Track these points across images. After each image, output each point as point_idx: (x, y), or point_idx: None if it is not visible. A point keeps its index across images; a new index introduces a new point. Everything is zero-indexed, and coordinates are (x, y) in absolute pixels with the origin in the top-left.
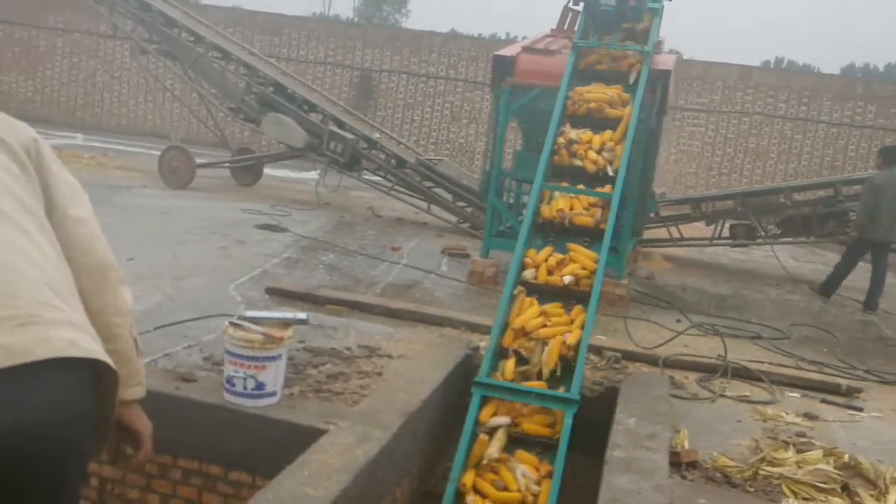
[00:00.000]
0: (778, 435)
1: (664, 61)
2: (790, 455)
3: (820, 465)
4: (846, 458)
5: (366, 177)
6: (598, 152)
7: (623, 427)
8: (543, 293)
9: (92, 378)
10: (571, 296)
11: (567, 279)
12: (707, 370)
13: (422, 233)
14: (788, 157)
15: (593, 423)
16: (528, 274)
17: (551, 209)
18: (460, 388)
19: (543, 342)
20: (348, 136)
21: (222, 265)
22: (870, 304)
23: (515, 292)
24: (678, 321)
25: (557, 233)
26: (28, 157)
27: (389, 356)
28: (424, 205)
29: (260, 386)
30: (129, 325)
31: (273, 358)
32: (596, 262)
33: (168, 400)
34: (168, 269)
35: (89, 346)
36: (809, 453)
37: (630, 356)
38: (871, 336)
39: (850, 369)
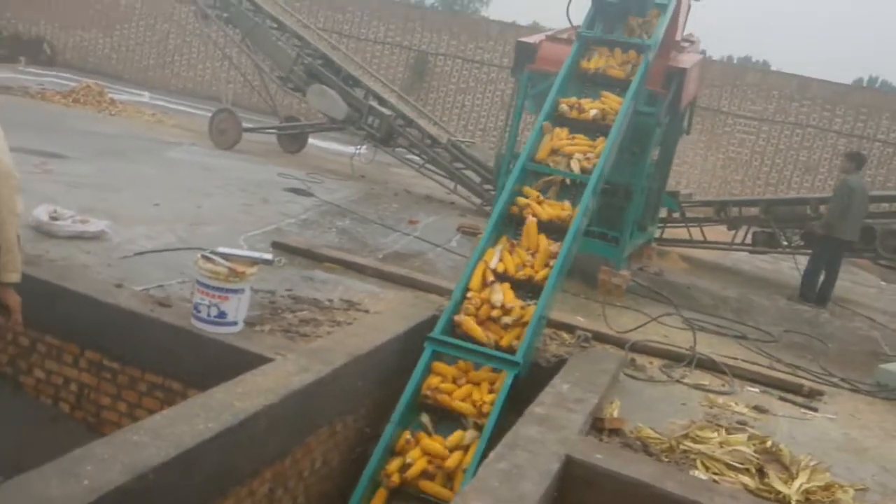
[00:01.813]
0: (718, 420)
1: (683, 60)
2: (714, 435)
3: (740, 447)
4: (768, 444)
5: (409, 156)
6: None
7: (554, 390)
8: (574, 127)
9: None
10: (598, 129)
11: (593, 113)
12: (674, 358)
13: (445, 211)
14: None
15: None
16: (565, 108)
17: (589, 63)
18: (422, 343)
19: (568, 157)
20: (386, 111)
21: (240, 219)
22: (823, 300)
23: (544, 126)
24: (668, 315)
25: (592, 84)
26: None
27: (366, 311)
28: (452, 184)
29: (222, 315)
30: (16, 223)
31: (236, 291)
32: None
33: (141, 319)
34: (189, 216)
35: None
36: (733, 436)
37: (602, 338)
38: (865, 349)
39: (826, 375)
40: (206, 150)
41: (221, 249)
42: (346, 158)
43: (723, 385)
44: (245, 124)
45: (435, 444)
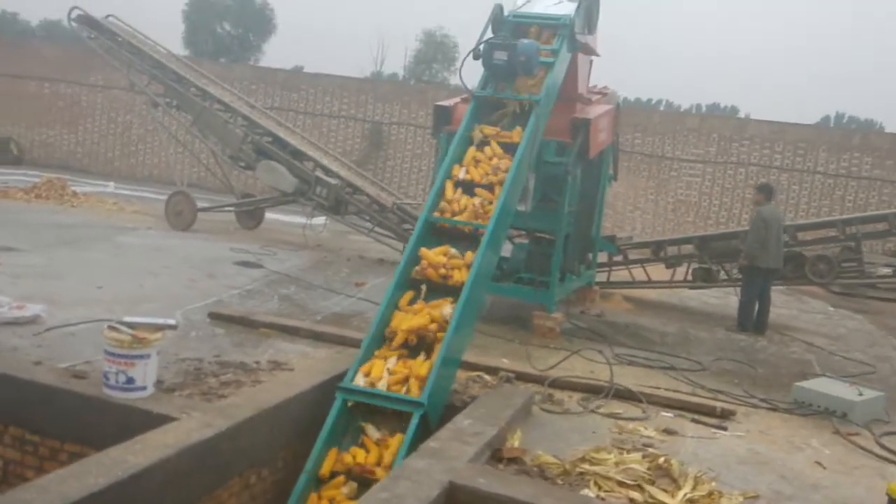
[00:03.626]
0: (624, 444)
1: (589, 111)
2: (610, 457)
3: (633, 465)
4: (661, 461)
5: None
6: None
7: (455, 426)
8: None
9: None
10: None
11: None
12: (593, 391)
13: (394, 271)
14: (786, 208)
15: None
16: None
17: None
18: None
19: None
20: (333, 181)
21: (182, 294)
22: (760, 328)
23: None
24: (599, 352)
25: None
26: None
27: (292, 370)
28: (401, 245)
29: (130, 381)
30: None
31: (141, 356)
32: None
33: (56, 392)
34: (129, 296)
35: None
36: (628, 455)
37: (525, 377)
38: (796, 371)
39: (746, 397)
40: (162, 233)
41: (127, 319)
42: (310, 231)
43: (642, 411)
44: (201, 204)
45: None
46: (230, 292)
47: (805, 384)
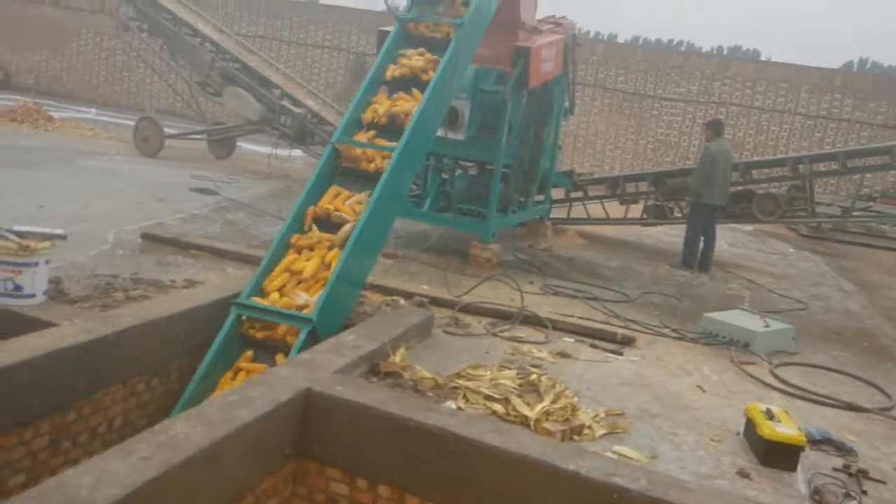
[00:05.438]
0: (512, 364)
1: (532, 40)
2: (486, 373)
3: (504, 381)
4: (533, 377)
5: None
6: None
7: (337, 340)
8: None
9: None
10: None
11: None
12: (504, 317)
13: None
14: (765, 148)
15: None
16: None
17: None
18: None
19: None
20: (298, 111)
21: (124, 216)
22: (705, 265)
23: None
24: (531, 283)
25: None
26: None
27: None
28: None
29: (18, 288)
30: None
31: (28, 264)
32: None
33: None
34: (69, 216)
35: None
36: (503, 372)
37: (439, 302)
38: (723, 306)
39: (659, 327)
40: (128, 159)
41: (16, 228)
42: (277, 160)
43: (545, 336)
44: (169, 131)
45: None
46: (175, 216)
47: (713, 315)
